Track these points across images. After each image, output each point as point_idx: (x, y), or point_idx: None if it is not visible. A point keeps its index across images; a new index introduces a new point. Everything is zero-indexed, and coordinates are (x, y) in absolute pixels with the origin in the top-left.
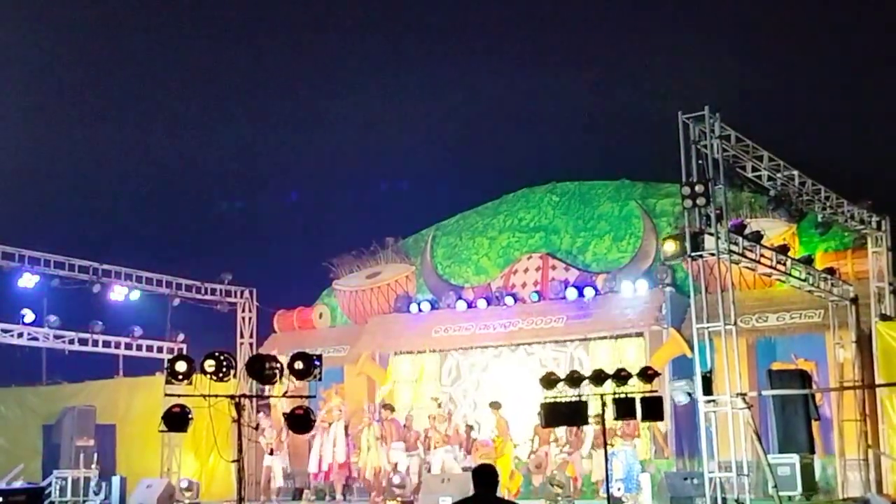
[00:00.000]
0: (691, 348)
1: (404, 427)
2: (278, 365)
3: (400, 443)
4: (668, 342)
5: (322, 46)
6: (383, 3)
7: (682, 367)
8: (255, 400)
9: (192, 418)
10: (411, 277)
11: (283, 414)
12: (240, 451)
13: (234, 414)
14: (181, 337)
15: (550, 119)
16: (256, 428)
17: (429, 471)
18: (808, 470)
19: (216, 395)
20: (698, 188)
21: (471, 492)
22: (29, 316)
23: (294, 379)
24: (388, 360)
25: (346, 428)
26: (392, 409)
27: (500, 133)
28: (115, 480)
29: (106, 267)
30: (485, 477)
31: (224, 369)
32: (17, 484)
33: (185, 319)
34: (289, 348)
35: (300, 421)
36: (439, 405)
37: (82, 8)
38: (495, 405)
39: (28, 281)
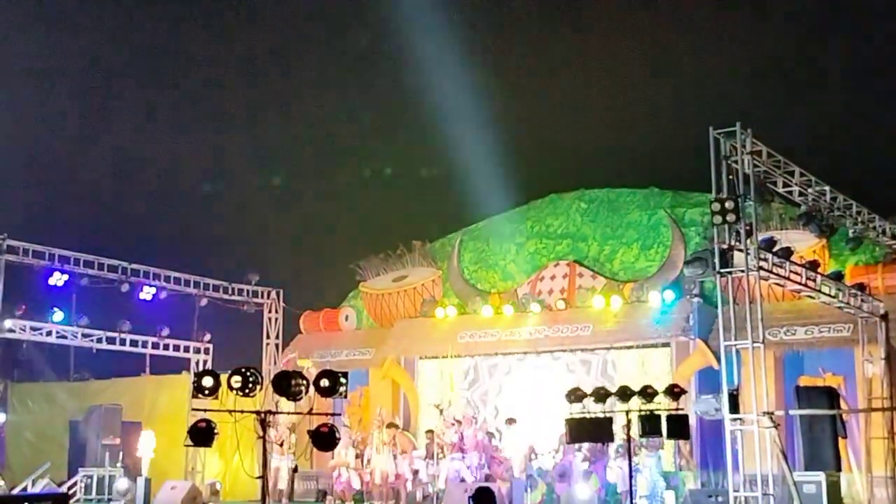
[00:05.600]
0: (718, 360)
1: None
2: (304, 381)
3: (420, 450)
4: (695, 353)
5: (340, 43)
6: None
7: (708, 379)
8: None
9: (217, 433)
10: (438, 282)
11: (308, 431)
12: (264, 466)
13: (259, 430)
14: (207, 337)
15: (579, 125)
16: (281, 445)
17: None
18: (834, 488)
19: (242, 411)
20: (728, 204)
21: None
22: (58, 315)
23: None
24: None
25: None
26: (396, 427)
27: (529, 138)
28: (140, 482)
29: (135, 266)
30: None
31: (250, 385)
32: (43, 483)
33: (212, 319)
34: (314, 350)
35: (325, 439)
36: (441, 412)
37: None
38: (510, 421)
39: (58, 279)
